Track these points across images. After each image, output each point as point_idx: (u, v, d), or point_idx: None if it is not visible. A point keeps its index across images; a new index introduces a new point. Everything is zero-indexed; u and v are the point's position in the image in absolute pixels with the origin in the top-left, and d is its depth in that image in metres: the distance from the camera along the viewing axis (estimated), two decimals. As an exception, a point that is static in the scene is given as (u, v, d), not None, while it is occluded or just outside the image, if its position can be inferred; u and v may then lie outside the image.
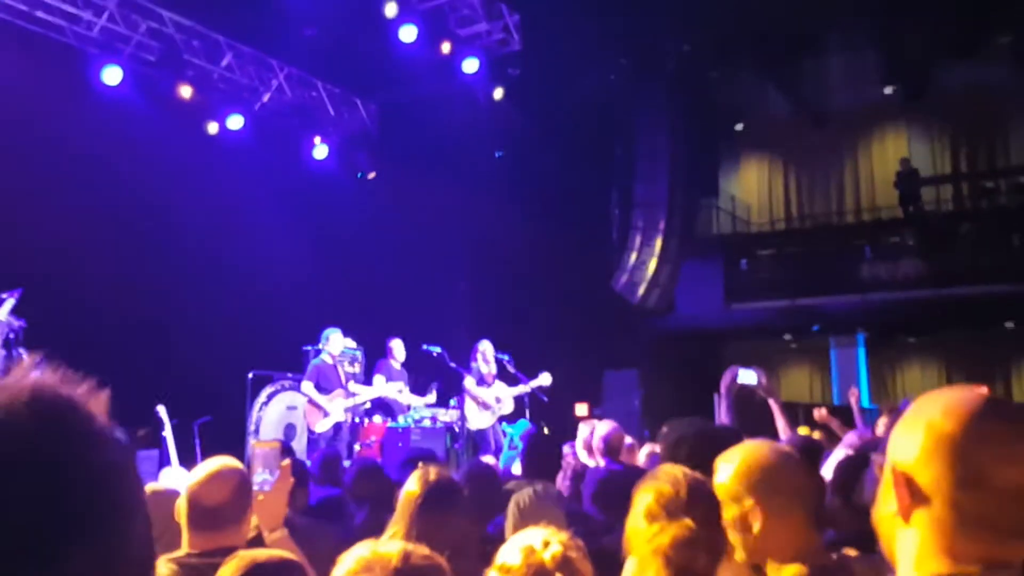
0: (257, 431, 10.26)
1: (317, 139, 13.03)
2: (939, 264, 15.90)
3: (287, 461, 2.90)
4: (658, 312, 16.43)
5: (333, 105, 13.40)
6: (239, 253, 11.18)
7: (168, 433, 7.86)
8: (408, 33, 11.32)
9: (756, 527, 2.15)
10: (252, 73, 12.32)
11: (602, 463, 5.23)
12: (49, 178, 9.40)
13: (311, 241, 12.16)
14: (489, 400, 9.70)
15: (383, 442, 9.50)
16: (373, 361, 10.42)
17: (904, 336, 19.70)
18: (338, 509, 4.80)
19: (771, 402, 4.35)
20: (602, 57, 14.46)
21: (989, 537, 1.18)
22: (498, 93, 12.55)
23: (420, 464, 3.35)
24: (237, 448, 9.04)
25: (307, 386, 9.28)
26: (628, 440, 6.02)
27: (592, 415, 11.15)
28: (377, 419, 9.92)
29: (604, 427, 5.39)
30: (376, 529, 3.06)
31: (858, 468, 3.62)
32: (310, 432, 9.44)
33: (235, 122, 11.88)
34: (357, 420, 9.78)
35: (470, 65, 11.95)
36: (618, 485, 4.16)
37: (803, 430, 7.14)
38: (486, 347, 9.87)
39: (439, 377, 10.15)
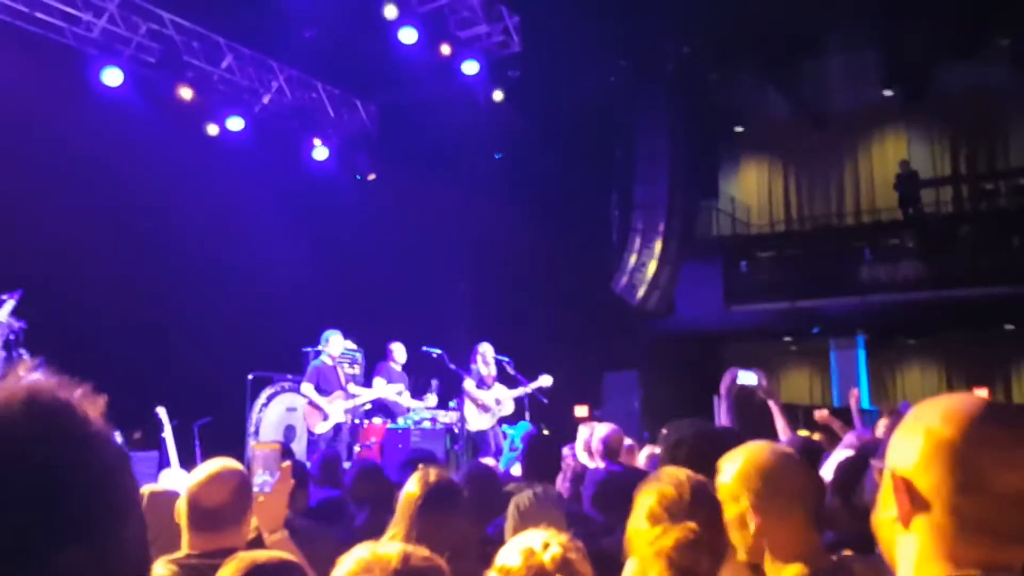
0: (257, 432, 10.26)
1: (317, 141, 13.04)
2: (939, 266, 15.90)
3: (287, 463, 2.90)
4: (658, 314, 16.43)
5: (333, 107, 13.40)
6: (239, 254, 11.18)
7: (168, 434, 7.86)
8: (408, 35, 11.33)
9: (757, 527, 2.15)
10: (252, 75, 12.32)
11: (601, 464, 5.23)
12: (49, 179, 9.40)
13: (311, 242, 12.15)
14: (489, 402, 9.71)
15: (383, 443, 9.50)
16: (373, 363, 10.42)
17: (904, 338, 19.70)
18: (338, 511, 4.80)
19: (771, 403, 4.35)
20: (602, 59, 14.47)
21: (989, 542, 1.18)
22: (498, 95, 12.56)
23: (420, 466, 3.35)
24: (237, 449, 9.04)
25: (307, 387, 9.28)
26: (628, 441, 6.02)
27: (592, 417, 11.15)
28: (377, 421, 9.92)
29: (603, 429, 5.40)
30: (376, 530, 3.06)
31: (858, 469, 3.62)
32: (310, 433, 9.44)
33: (235, 124, 11.88)
34: (357, 421, 9.78)
35: (470, 67, 11.96)
36: (618, 487, 4.16)
37: (803, 433, 7.14)
38: (486, 349, 9.87)
39: (439, 379, 10.16)
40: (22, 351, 7.55)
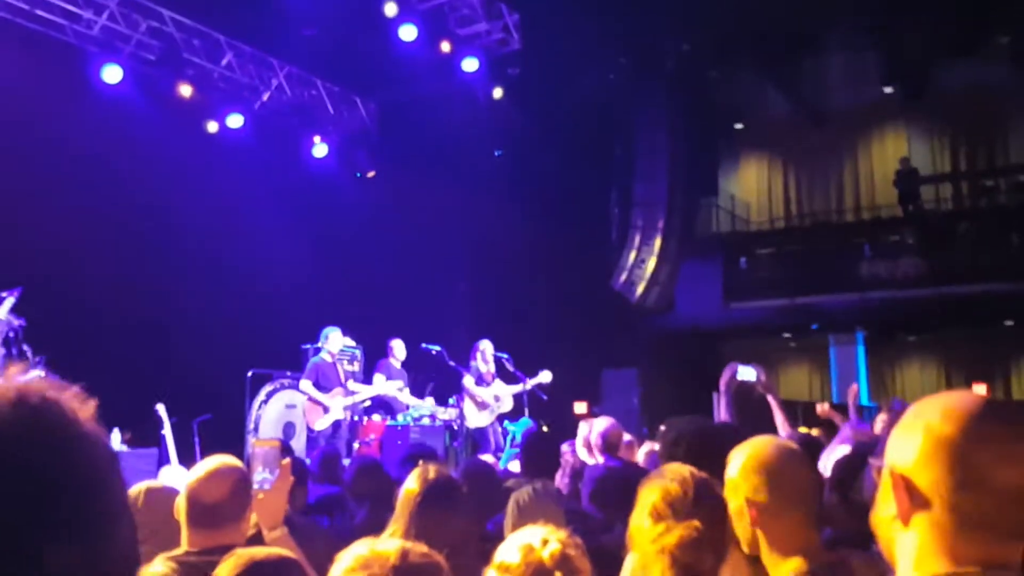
0: (256, 429, 10.26)
1: (317, 138, 13.04)
2: (938, 263, 15.90)
3: (287, 460, 2.90)
4: (657, 311, 16.44)
5: (333, 104, 13.40)
6: (238, 251, 11.18)
7: (167, 431, 7.87)
8: (408, 32, 11.33)
9: (752, 519, 2.16)
10: (252, 72, 12.32)
11: (600, 459, 5.23)
12: (49, 176, 9.40)
13: (310, 239, 12.16)
14: (488, 399, 9.71)
15: (382, 440, 9.49)
16: (372, 360, 10.42)
17: (903, 335, 19.69)
18: (337, 507, 4.81)
19: (770, 399, 4.36)
20: (602, 56, 14.47)
21: (989, 538, 1.19)
22: (498, 92, 12.56)
23: (420, 462, 3.35)
24: (236, 446, 9.04)
25: (306, 384, 9.28)
26: (627, 437, 6.02)
27: (591, 413, 11.16)
28: (376, 417, 9.91)
29: (602, 423, 5.40)
30: (376, 527, 3.06)
31: (855, 466, 3.64)
32: (309, 430, 9.44)
33: (235, 121, 11.88)
34: (356, 418, 9.78)
35: (470, 64, 11.96)
36: (616, 483, 4.17)
37: (802, 429, 7.16)
38: (486, 346, 9.87)
39: (438, 376, 10.15)
40: (24, 348, 7.55)
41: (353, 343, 10.77)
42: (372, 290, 12.18)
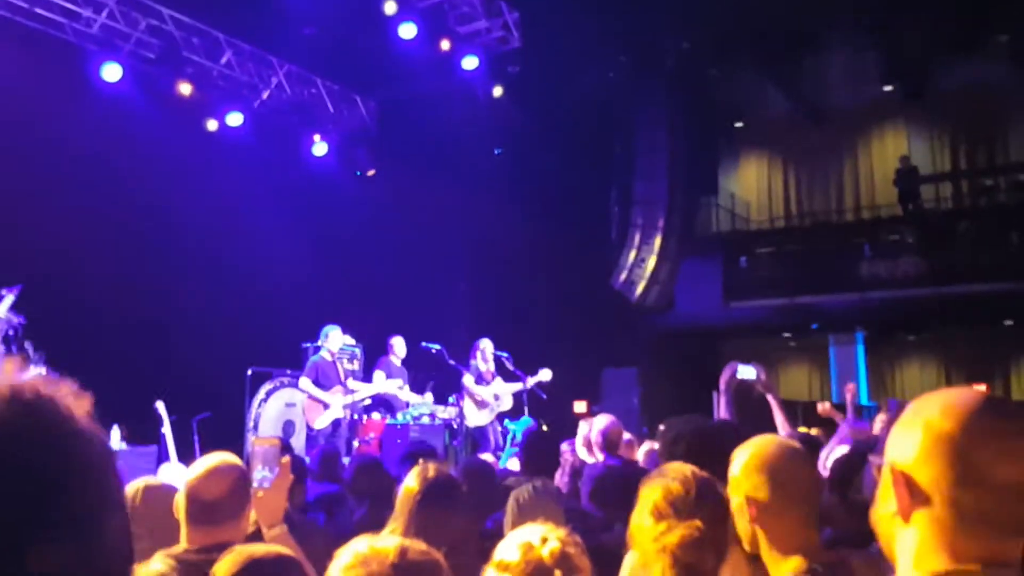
0: (256, 428, 10.26)
1: (316, 136, 13.04)
2: (938, 262, 15.90)
3: (287, 458, 2.90)
4: (657, 310, 16.44)
5: (332, 102, 13.39)
6: (238, 250, 11.18)
7: (167, 429, 7.86)
8: (407, 30, 11.33)
9: (751, 517, 2.16)
10: (252, 70, 12.31)
11: (600, 457, 5.23)
12: (48, 174, 9.40)
13: (310, 238, 12.16)
14: (488, 398, 9.71)
15: (382, 439, 9.49)
16: (372, 358, 10.42)
17: (903, 334, 19.69)
18: (335, 505, 4.80)
19: (770, 398, 4.36)
20: (602, 55, 14.47)
21: (989, 534, 1.19)
22: (497, 91, 12.56)
23: (420, 460, 3.35)
24: (236, 444, 9.03)
25: (305, 382, 9.27)
26: (627, 436, 6.02)
27: (591, 413, 11.16)
28: (376, 416, 9.91)
29: (602, 421, 5.40)
30: (375, 525, 3.06)
31: (854, 465, 3.64)
32: (309, 429, 9.43)
33: (234, 119, 11.88)
34: (356, 417, 9.78)
35: (469, 62, 11.96)
36: (616, 481, 4.17)
37: (802, 429, 7.17)
38: (486, 345, 9.87)
39: (438, 375, 10.15)
40: (25, 346, 7.55)
41: (353, 341, 10.77)
42: (372, 288, 12.18)
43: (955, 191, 19.30)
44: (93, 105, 10.24)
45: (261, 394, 10.52)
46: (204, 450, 7.60)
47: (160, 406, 7.95)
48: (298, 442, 9.92)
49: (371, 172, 13.39)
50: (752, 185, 20.87)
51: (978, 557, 1.18)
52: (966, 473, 1.19)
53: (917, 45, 14.78)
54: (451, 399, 9.98)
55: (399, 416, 9.73)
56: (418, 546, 1.59)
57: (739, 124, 20.25)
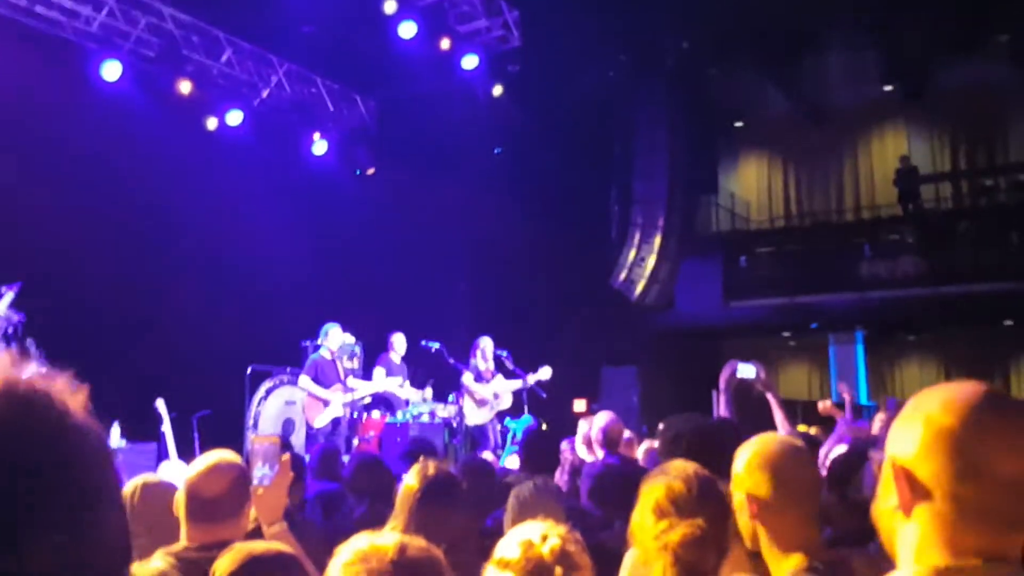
0: (256, 426, 10.26)
1: (316, 135, 13.04)
2: (938, 262, 15.91)
3: (287, 455, 2.90)
4: (657, 309, 16.44)
5: (332, 101, 13.39)
6: (238, 248, 11.18)
7: (167, 427, 7.86)
8: (407, 29, 11.32)
9: (759, 516, 2.16)
10: (251, 69, 12.31)
11: (601, 455, 5.23)
12: (48, 172, 9.39)
13: (310, 236, 12.16)
14: (487, 396, 9.71)
15: (381, 437, 9.49)
16: (372, 356, 10.42)
17: (903, 334, 19.70)
18: (334, 503, 4.80)
19: (769, 397, 4.36)
20: (602, 54, 14.46)
21: (990, 529, 1.19)
22: (497, 90, 12.56)
23: (420, 458, 3.35)
24: (235, 442, 9.03)
25: (304, 380, 9.27)
26: (627, 434, 6.02)
27: (590, 411, 11.16)
28: (376, 414, 9.91)
29: (603, 418, 5.39)
30: (375, 523, 3.06)
31: (853, 464, 3.64)
32: (309, 427, 9.43)
33: (234, 118, 11.88)
34: (355, 415, 9.78)
35: (469, 62, 11.96)
36: (615, 480, 4.17)
37: (801, 427, 7.17)
38: (486, 344, 9.87)
39: (437, 373, 10.15)
40: (26, 344, 7.55)
41: (353, 340, 10.77)
42: (372, 287, 12.18)
43: (955, 191, 19.31)
44: (93, 103, 10.24)
45: (261, 392, 10.52)
46: (204, 448, 7.60)
47: (160, 404, 7.95)
48: (298, 440, 9.92)
49: (371, 171, 13.39)
50: (752, 185, 20.87)
51: (979, 552, 1.18)
52: (967, 468, 1.19)
53: (917, 45, 14.79)
54: (451, 397, 9.98)
55: (399, 414, 9.73)
56: (418, 543, 1.59)
57: (739, 124, 20.24)
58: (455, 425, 9.75)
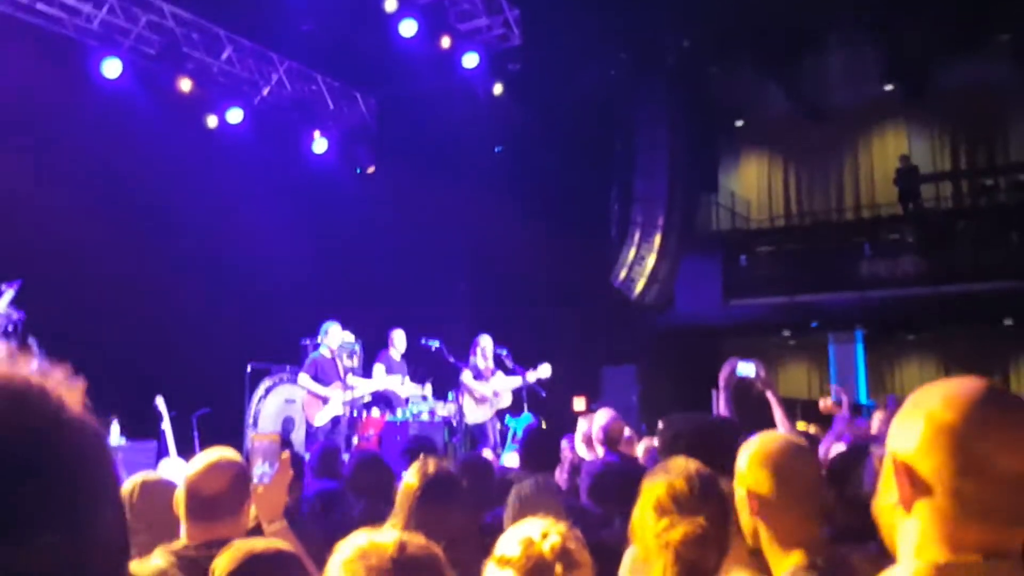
0: (255, 424, 10.27)
1: (316, 133, 13.04)
2: (938, 261, 15.90)
3: (286, 453, 2.90)
4: (657, 308, 16.43)
5: (333, 99, 13.39)
6: (238, 246, 11.19)
7: (166, 425, 7.86)
8: (408, 27, 11.32)
9: (760, 513, 2.16)
10: (252, 67, 12.31)
11: (601, 452, 5.23)
12: (48, 170, 9.40)
13: (310, 234, 12.16)
14: (487, 394, 9.71)
15: (381, 435, 9.50)
16: (371, 355, 10.42)
17: (903, 333, 19.69)
18: (333, 501, 4.80)
19: (769, 395, 4.36)
20: (602, 52, 14.44)
21: (990, 525, 1.19)
22: (498, 88, 12.56)
23: (421, 456, 3.35)
24: (235, 440, 9.03)
25: (304, 378, 9.27)
26: (627, 432, 6.02)
27: (590, 410, 11.14)
28: (375, 412, 9.92)
29: (603, 416, 5.39)
30: (375, 521, 3.06)
31: (852, 462, 3.63)
32: (308, 425, 9.44)
33: (235, 115, 11.88)
34: (355, 414, 9.78)
35: (470, 60, 11.95)
36: (614, 478, 4.17)
37: (801, 425, 7.18)
38: (485, 342, 9.86)
39: (437, 371, 10.15)
40: (28, 341, 7.55)
41: (352, 338, 10.77)
42: (371, 285, 12.18)
43: (955, 190, 19.30)
44: (93, 101, 10.24)
45: (261, 390, 10.52)
46: (204, 446, 7.60)
47: (160, 402, 7.95)
48: (297, 438, 9.93)
49: (371, 169, 13.39)
50: (752, 183, 20.87)
51: (979, 547, 1.18)
52: (967, 464, 1.19)
53: (918, 44, 14.77)
54: (450, 396, 9.99)
55: (398, 413, 9.73)
56: (417, 540, 1.59)
57: (739, 122, 20.23)
58: (455, 423, 9.75)
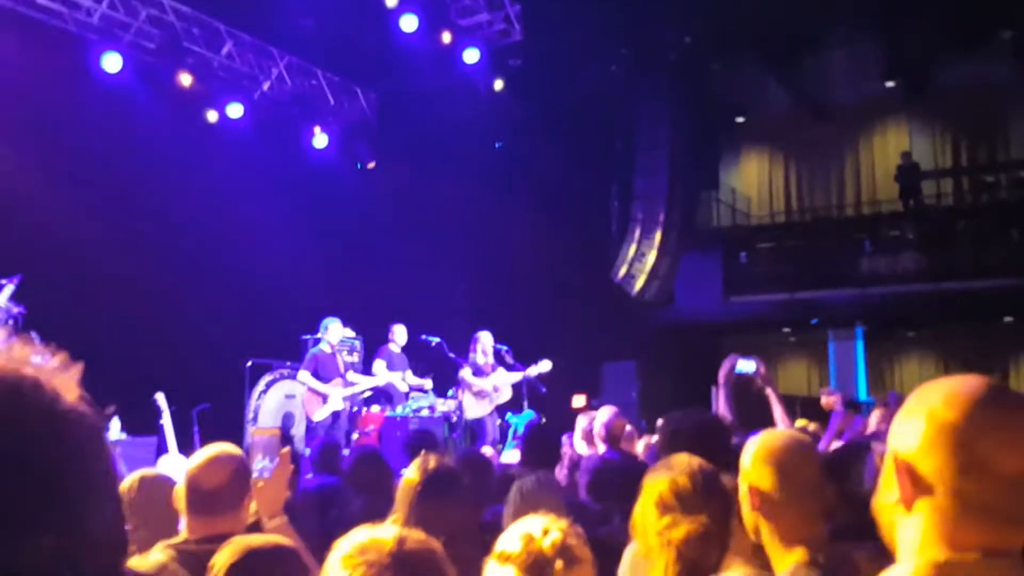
0: (255, 419, 10.27)
1: (317, 128, 13.02)
2: (939, 258, 15.91)
3: (287, 448, 2.90)
4: (657, 304, 16.43)
5: (333, 94, 13.37)
6: (238, 241, 11.18)
7: (166, 420, 7.86)
8: (409, 23, 11.30)
9: (762, 509, 2.16)
10: (252, 61, 12.30)
11: (602, 449, 5.23)
12: (48, 164, 9.39)
13: (310, 230, 12.15)
14: (486, 389, 9.71)
15: (381, 431, 9.50)
16: (372, 351, 10.43)
17: (903, 330, 19.71)
18: (332, 497, 4.80)
19: (769, 392, 4.36)
20: (603, 48, 14.42)
21: (991, 524, 1.19)
22: (499, 84, 12.54)
23: (422, 452, 3.35)
24: (235, 436, 9.04)
25: (304, 375, 9.28)
26: (628, 428, 6.02)
27: (590, 407, 11.14)
28: (375, 408, 9.92)
29: (605, 413, 5.40)
30: (375, 516, 3.06)
31: (850, 459, 3.63)
32: (308, 421, 9.44)
33: (235, 110, 11.86)
34: (355, 409, 9.78)
35: (471, 55, 11.93)
36: (614, 475, 4.17)
37: (801, 422, 7.18)
38: (485, 338, 9.86)
39: (437, 367, 10.16)
40: (32, 335, 7.54)
41: (353, 334, 10.78)
42: (372, 281, 12.18)
43: (956, 187, 19.30)
44: (93, 95, 10.23)
45: (261, 386, 10.53)
46: (204, 441, 7.60)
47: (160, 397, 7.95)
48: (297, 434, 9.93)
49: (371, 164, 13.38)
50: (753, 180, 20.86)
51: (979, 547, 1.18)
52: (969, 463, 1.19)
53: (919, 41, 14.76)
54: (450, 392, 9.99)
55: (398, 408, 9.74)
56: (417, 536, 1.59)
57: (740, 119, 20.23)
58: (454, 419, 9.76)
